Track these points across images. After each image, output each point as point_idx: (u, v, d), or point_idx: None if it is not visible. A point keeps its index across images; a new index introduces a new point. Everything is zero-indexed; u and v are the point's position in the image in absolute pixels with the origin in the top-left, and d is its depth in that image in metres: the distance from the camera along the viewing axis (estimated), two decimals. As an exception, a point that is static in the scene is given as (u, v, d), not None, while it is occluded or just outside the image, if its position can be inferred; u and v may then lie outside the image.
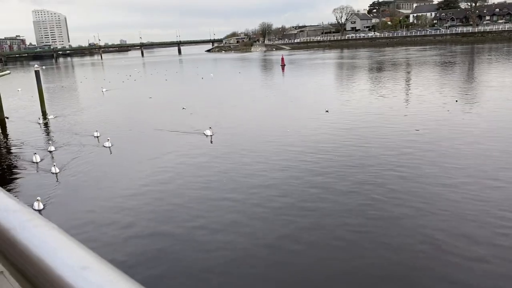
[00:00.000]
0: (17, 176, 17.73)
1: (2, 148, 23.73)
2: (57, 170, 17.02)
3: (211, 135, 22.43)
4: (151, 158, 18.90)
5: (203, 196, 13.88)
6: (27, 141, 23.68)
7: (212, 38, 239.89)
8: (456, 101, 27.89)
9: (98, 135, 23.35)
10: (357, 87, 39.43)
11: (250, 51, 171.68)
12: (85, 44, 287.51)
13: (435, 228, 10.52)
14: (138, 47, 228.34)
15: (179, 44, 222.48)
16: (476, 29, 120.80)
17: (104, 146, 21.03)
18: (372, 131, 21.08)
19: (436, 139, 18.85)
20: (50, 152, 20.56)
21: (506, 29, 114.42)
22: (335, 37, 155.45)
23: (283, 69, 68.66)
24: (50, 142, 22.12)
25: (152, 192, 14.59)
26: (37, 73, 35.39)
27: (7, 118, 30.49)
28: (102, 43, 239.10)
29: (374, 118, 24.31)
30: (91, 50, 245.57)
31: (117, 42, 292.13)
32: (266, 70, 75.07)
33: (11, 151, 22.59)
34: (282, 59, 75.12)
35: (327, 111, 26.72)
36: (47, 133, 26.72)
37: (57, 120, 30.62)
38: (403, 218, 11.29)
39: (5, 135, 26.89)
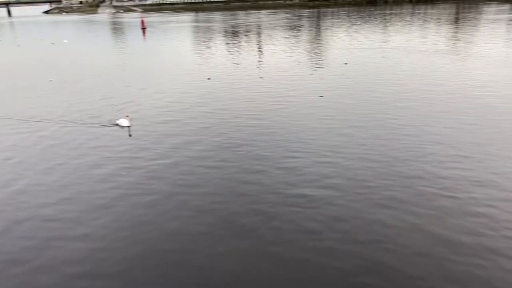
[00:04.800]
0: None
1: None
2: None
3: (128, 127, 16.86)
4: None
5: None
6: None
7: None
8: (346, 63, 29.42)
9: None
10: (228, 52, 38.92)
11: (97, 13, 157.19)
12: None
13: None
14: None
15: (8, 4, 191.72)
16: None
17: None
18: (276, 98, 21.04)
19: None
20: None
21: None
22: (189, 0, 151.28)
23: (144, 32, 64.14)
24: None
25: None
26: None
27: None
28: None
29: (268, 84, 24.52)
30: None
31: None
32: (124, 34, 69.18)
33: None
34: (142, 21, 70.11)
35: (208, 78, 26.20)
36: None
37: None
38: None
39: None
